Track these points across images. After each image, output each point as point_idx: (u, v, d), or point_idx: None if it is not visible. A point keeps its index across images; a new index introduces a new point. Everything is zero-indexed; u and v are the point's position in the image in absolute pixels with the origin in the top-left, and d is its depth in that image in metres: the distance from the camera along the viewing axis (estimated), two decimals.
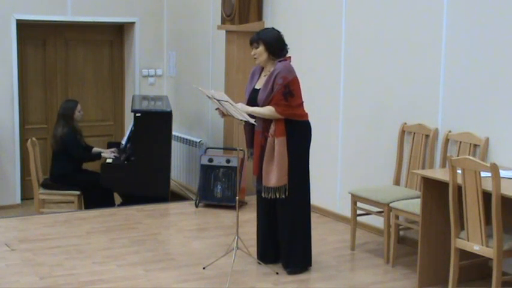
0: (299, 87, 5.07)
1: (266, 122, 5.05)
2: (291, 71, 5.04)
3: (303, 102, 5.11)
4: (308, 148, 5.19)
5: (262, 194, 5.14)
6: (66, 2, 8.72)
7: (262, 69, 5.22)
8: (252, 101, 5.13)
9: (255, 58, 5.15)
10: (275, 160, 5.01)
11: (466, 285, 4.85)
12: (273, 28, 5.31)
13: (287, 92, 4.97)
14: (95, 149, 7.86)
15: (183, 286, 4.95)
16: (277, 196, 5.05)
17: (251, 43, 5.15)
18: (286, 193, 5.04)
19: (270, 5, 7.44)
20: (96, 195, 7.61)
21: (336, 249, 5.81)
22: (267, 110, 5.00)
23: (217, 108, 5.21)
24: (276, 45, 5.08)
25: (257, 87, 5.17)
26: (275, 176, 5.01)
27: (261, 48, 5.08)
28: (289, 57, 5.16)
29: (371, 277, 5.20)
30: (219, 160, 7.28)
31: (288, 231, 5.16)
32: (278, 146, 4.99)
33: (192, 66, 8.85)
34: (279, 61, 5.08)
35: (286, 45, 5.15)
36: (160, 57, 9.44)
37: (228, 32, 7.61)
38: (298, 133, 5.08)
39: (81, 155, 7.60)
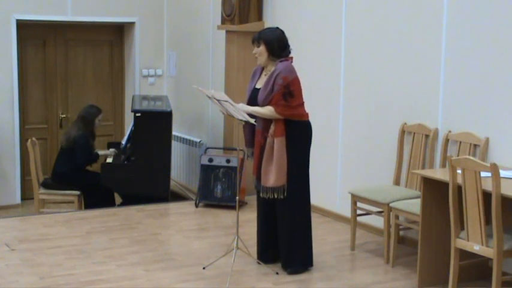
0: (299, 88, 5.06)
1: (266, 121, 5.05)
2: (291, 71, 5.03)
3: (303, 102, 5.10)
4: (308, 148, 5.19)
5: (261, 194, 5.14)
6: (66, 2, 8.71)
7: (263, 68, 5.21)
8: (253, 100, 5.12)
9: (256, 57, 5.14)
10: (274, 160, 5.00)
11: (466, 285, 4.84)
12: (277, 28, 5.24)
13: (287, 92, 4.96)
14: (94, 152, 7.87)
15: (183, 286, 4.95)
16: (276, 196, 5.05)
17: (253, 41, 5.14)
18: (285, 193, 5.03)
19: (270, 5, 7.44)
20: (96, 195, 7.61)
21: (336, 249, 5.80)
22: (267, 110, 4.99)
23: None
24: (276, 46, 5.06)
25: (257, 86, 5.16)
26: (273, 176, 5.01)
27: (262, 47, 5.06)
28: (291, 57, 5.14)
29: (371, 277, 5.19)
30: (219, 160, 7.28)
31: (288, 231, 5.16)
32: (277, 146, 4.99)
33: (192, 66, 8.85)
34: (280, 61, 5.06)
35: (288, 45, 5.12)
36: (160, 57, 9.43)
37: (228, 32, 7.60)
38: (298, 133, 5.07)
39: (83, 161, 7.56)
